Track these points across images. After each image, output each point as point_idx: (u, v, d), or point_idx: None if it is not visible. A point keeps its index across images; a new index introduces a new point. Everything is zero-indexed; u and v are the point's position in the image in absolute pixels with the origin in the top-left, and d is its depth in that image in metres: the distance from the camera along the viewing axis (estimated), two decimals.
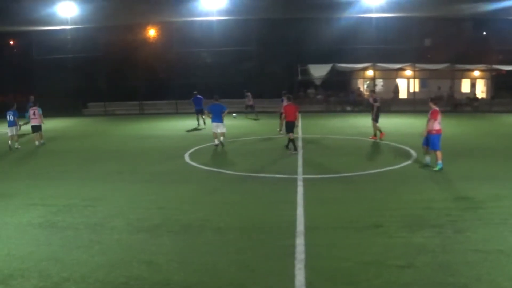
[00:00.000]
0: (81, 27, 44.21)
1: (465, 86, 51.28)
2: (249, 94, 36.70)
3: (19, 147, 22.73)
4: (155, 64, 47.34)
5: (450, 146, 20.46)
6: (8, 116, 22.85)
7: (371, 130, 22.82)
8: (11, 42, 57.10)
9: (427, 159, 15.84)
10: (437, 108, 15.56)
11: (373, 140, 22.16)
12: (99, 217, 10.64)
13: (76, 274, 7.55)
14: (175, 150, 20.39)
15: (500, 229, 9.24)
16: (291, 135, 19.20)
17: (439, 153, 15.08)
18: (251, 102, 36.69)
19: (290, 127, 19.24)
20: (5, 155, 21.03)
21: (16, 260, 8.18)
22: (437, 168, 14.94)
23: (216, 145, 21.00)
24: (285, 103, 21.34)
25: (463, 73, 49.09)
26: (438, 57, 46.48)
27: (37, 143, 23.69)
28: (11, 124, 22.64)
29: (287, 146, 19.63)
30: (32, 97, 24.58)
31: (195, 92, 32.57)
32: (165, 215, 10.68)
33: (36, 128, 24.22)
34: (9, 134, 22.61)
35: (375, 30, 42.63)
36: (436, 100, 16.98)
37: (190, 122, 33.08)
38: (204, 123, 30.99)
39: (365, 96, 47.19)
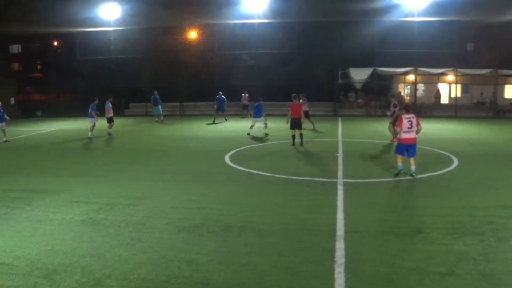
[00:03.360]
0: (123, 28, 44.81)
1: (508, 92, 50.29)
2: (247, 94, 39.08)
3: (92, 137, 26.15)
4: (196, 65, 47.66)
5: (493, 153, 20.23)
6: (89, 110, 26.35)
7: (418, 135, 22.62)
8: (56, 43, 58.28)
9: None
10: (402, 115, 15.06)
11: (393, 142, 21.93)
12: (141, 215, 10.79)
13: (117, 271, 7.68)
14: (215, 151, 20.51)
15: None
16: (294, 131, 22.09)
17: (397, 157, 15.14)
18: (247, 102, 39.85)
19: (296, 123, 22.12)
20: (48, 153, 21.50)
21: (59, 256, 8.36)
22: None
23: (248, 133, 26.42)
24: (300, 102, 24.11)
25: (507, 79, 48.15)
26: (481, 62, 45.73)
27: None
28: (89, 116, 26.29)
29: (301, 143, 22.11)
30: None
31: (220, 92, 35.49)
32: (206, 215, 10.76)
33: (109, 120, 27.68)
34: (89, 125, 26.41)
35: (417, 34, 42.13)
36: (408, 107, 16.04)
37: (230, 124, 33.36)
38: (225, 119, 35.42)
39: (406, 101, 46.78)
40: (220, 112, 36.25)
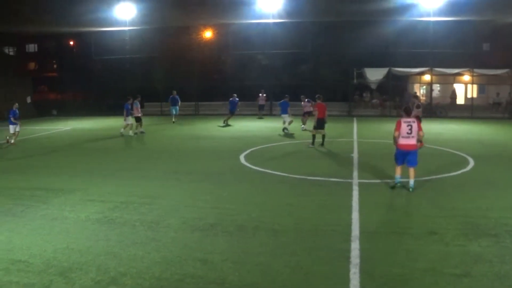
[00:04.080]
0: (138, 28, 45.00)
1: None
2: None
3: (132, 134, 27.32)
4: (210, 65, 47.76)
5: (508, 154, 20.10)
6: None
7: (427, 136, 22.40)
8: (71, 43, 58.66)
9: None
10: (401, 119, 13.37)
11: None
12: (155, 214, 10.84)
13: (132, 269, 7.72)
14: (230, 151, 20.55)
15: None
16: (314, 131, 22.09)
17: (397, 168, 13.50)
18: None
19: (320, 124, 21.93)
20: (63, 152, 21.67)
21: (75, 254, 8.42)
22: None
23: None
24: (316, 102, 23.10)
25: None
26: (497, 62, 45.40)
27: (135, 131, 27.83)
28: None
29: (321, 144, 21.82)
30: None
31: (234, 94, 34.72)
32: (220, 215, 10.79)
33: (137, 119, 27.94)
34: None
35: (432, 34, 41.93)
36: (407, 110, 13.80)
37: (244, 124, 33.45)
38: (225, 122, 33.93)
39: (421, 102, 46.57)
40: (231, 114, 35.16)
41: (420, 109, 22.69)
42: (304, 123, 29.16)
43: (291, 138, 25.25)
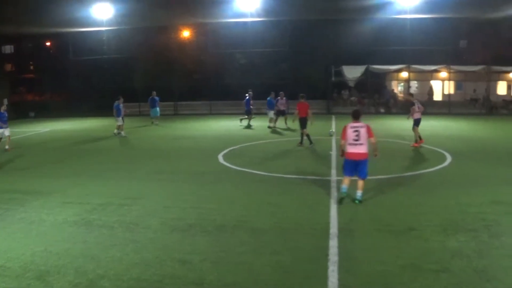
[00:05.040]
0: (116, 28, 44.73)
1: (501, 88, 50.43)
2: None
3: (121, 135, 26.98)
4: (189, 65, 47.59)
5: (486, 149, 20.31)
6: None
7: (405, 133, 22.57)
8: (48, 44, 58.07)
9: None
10: (347, 124, 11.89)
11: (418, 146, 20.87)
12: (134, 216, 10.77)
13: (111, 271, 7.68)
14: (211, 151, 20.47)
15: None
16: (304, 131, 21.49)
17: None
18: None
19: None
20: (41, 154, 21.48)
21: (52, 257, 8.35)
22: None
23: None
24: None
25: (500, 75, 48.26)
26: (473, 58, 45.82)
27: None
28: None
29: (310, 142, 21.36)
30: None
31: (250, 92, 32.27)
32: (200, 215, 10.76)
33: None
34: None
35: (410, 31, 42.23)
36: (356, 113, 12.13)
37: (224, 123, 33.40)
38: (241, 120, 32.41)
39: (400, 98, 46.89)
40: (248, 114, 32.14)
41: (414, 106, 21.51)
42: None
43: (271, 137, 25.25)
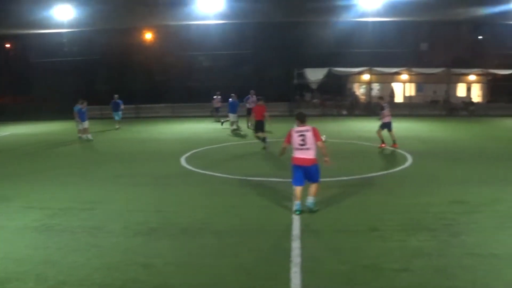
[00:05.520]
0: (78, 30, 44.17)
1: (461, 90, 51.48)
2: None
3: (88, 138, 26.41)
4: (152, 67, 47.36)
5: (445, 150, 20.69)
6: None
7: (368, 134, 22.81)
8: (8, 45, 57.07)
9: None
10: (292, 129, 11.16)
11: (393, 148, 20.83)
12: (96, 220, 10.65)
13: (72, 277, 7.57)
14: (174, 154, 20.35)
15: (495, 233, 9.30)
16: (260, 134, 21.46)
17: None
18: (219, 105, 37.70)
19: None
20: (1, 158, 21.10)
21: (12, 263, 8.19)
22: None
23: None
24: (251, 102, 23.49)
25: (459, 77, 49.30)
26: (434, 61, 46.68)
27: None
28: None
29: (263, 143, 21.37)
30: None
31: (233, 94, 31.44)
32: (163, 218, 10.69)
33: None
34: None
35: (372, 34, 42.74)
36: (300, 116, 11.29)
37: (187, 126, 33.28)
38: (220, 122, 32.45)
39: (362, 101, 47.42)
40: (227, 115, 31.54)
41: (384, 111, 21.33)
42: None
43: (234, 139, 25.24)
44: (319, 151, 10.89)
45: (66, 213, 11.27)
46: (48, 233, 9.83)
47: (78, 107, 26.29)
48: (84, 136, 26.32)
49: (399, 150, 20.09)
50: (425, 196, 12.38)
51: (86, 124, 26.31)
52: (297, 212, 10.57)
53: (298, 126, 10.92)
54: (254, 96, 29.74)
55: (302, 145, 10.69)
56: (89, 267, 7.93)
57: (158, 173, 16.37)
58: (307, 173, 10.76)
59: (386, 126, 21.03)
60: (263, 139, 21.40)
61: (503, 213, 10.65)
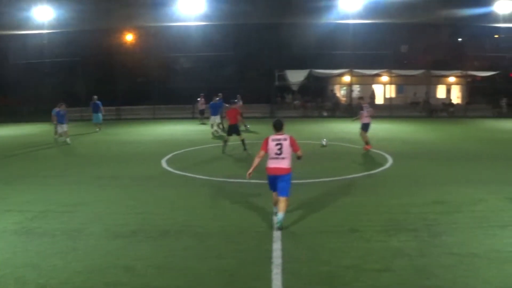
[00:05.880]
0: (58, 31, 43.83)
1: (440, 92, 51.95)
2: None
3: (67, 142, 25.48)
4: (133, 69, 47.15)
5: (426, 151, 20.86)
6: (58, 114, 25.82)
7: (349, 136, 22.90)
8: None
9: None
10: (269, 136, 10.53)
11: (370, 148, 20.99)
12: (76, 223, 10.54)
13: (53, 280, 7.50)
14: (154, 155, 20.28)
15: (475, 232, 9.40)
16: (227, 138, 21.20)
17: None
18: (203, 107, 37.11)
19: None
20: None
21: None
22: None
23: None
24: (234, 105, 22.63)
25: (439, 79, 49.78)
26: (414, 63, 47.08)
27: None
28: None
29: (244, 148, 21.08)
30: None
31: (219, 94, 31.22)
32: (143, 220, 10.63)
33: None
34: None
35: (353, 36, 42.95)
36: (278, 124, 10.63)
37: (168, 127, 33.18)
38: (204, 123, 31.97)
39: (342, 102, 47.62)
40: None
41: (363, 111, 21.46)
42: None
43: (215, 141, 25.19)
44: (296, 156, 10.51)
45: (46, 215, 11.16)
46: (28, 236, 9.72)
47: (55, 110, 25.91)
48: (61, 139, 25.88)
49: (380, 151, 20.19)
50: (406, 196, 12.49)
51: (65, 127, 25.83)
52: (279, 224, 9.73)
53: (275, 134, 10.38)
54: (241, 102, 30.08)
55: (278, 154, 10.16)
56: (70, 270, 7.86)
57: (138, 175, 16.28)
58: (280, 181, 10.11)
59: (365, 127, 21.06)
60: (224, 142, 21.16)
61: (482, 213, 10.78)
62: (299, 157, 10.50)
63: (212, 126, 28.49)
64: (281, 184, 10.05)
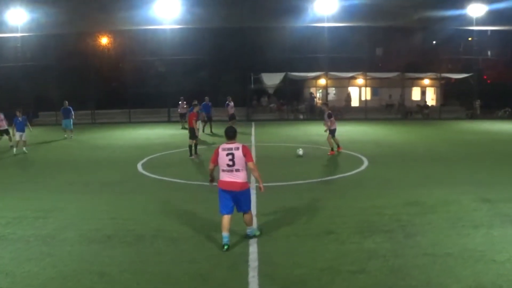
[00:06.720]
0: (31, 34, 43.32)
1: (415, 94, 52.43)
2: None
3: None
4: (108, 72, 46.84)
5: (400, 153, 21.04)
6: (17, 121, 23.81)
7: (324, 138, 22.91)
8: None
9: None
10: (220, 146, 9.37)
11: (335, 153, 20.79)
12: (50, 228, 10.43)
13: (27, 287, 7.43)
14: (128, 160, 20.15)
15: (449, 233, 9.52)
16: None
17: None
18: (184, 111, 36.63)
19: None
20: None
21: None
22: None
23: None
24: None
25: (414, 82, 50.24)
26: (389, 65, 47.48)
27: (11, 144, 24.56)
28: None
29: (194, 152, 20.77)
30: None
31: (206, 97, 31.92)
32: (117, 225, 10.55)
33: (5, 132, 25.46)
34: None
35: (328, 39, 43.14)
36: (230, 132, 9.42)
37: (143, 131, 33.03)
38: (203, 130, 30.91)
39: (318, 105, 47.78)
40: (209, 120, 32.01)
41: (332, 118, 20.90)
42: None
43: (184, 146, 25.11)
44: (251, 174, 9.67)
45: (20, 221, 11.01)
46: (1, 242, 9.58)
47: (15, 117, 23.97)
48: (18, 150, 23.37)
49: (355, 153, 20.32)
50: (380, 198, 12.57)
51: (23, 136, 23.72)
52: (225, 247, 8.81)
53: (226, 143, 9.28)
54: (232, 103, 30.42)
55: (230, 165, 9.02)
56: (44, 276, 7.78)
57: (113, 180, 16.15)
58: (236, 200, 9.15)
59: (333, 132, 20.80)
60: (190, 147, 20.81)
61: (456, 213, 10.92)
62: (252, 171, 9.31)
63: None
64: (238, 200, 9.17)
